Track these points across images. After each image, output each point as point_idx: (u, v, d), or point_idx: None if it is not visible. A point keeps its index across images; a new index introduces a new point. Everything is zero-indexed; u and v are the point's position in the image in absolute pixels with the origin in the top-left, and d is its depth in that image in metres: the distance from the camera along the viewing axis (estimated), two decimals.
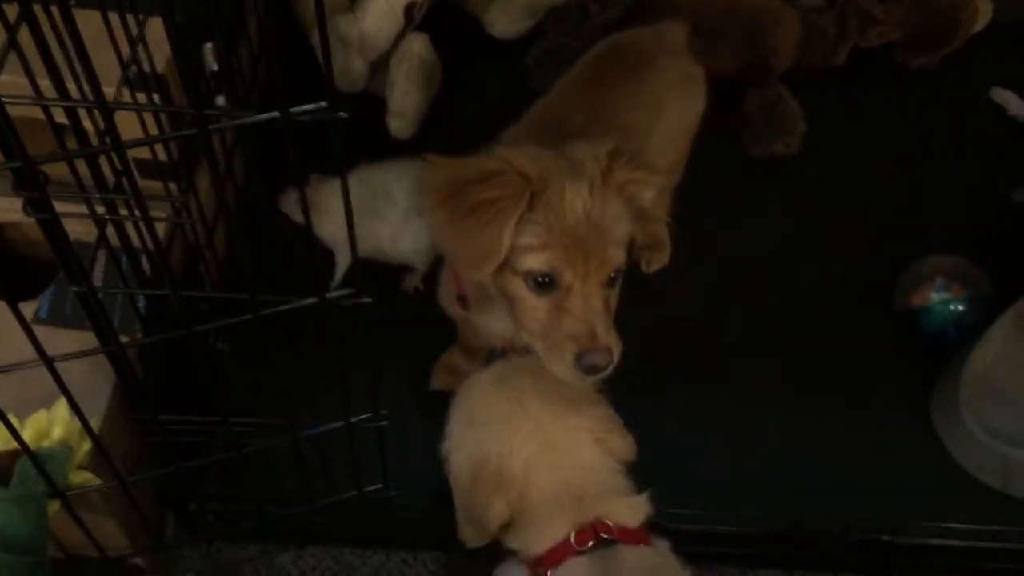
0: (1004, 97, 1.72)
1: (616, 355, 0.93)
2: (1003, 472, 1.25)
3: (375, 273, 1.34)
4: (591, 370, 0.93)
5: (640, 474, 1.27)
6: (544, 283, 0.93)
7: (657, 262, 1.46)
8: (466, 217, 0.90)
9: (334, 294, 0.81)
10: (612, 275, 0.94)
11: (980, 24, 1.76)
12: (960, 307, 1.36)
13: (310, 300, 0.81)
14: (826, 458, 1.30)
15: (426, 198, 0.95)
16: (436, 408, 1.30)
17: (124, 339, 0.90)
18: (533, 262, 0.92)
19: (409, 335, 1.33)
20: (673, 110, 1.24)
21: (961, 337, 1.34)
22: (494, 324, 1.10)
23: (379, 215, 1.33)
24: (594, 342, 0.92)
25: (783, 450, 1.30)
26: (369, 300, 0.81)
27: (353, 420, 0.98)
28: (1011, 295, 1.33)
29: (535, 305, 0.95)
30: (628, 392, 1.26)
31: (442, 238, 0.95)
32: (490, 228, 0.90)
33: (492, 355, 1.20)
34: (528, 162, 0.92)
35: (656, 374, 1.35)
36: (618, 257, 0.94)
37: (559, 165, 0.93)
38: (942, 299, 1.36)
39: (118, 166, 0.85)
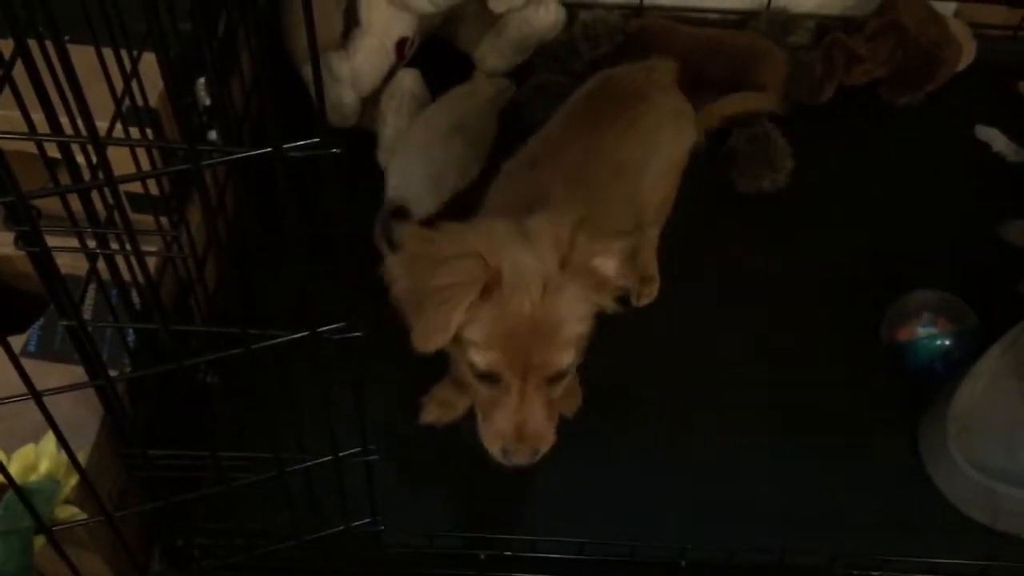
0: (988, 134, 1.74)
1: (545, 444, 0.98)
2: (991, 507, 1.25)
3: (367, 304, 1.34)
4: (517, 460, 0.99)
5: (620, 503, 1.28)
6: (486, 377, 0.96)
7: (647, 296, 1.47)
8: (422, 295, 0.93)
9: (325, 328, 0.81)
10: (559, 374, 0.97)
11: (964, 63, 1.79)
12: (946, 342, 1.37)
13: (300, 334, 0.82)
14: (811, 491, 1.30)
15: (393, 265, 0.96)
16: (426, 441, 1.31)
17: (113, 373, 0.90)
18: (475, 357, 0.95)
19: (399, 367, 1.33)
20: (665, 145, 1.26)
21: (948, 372, 1.35)
22: None
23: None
24: (519, 441, 0.97)
25: (767, 483, 1.30)
26: (360, 334, 0.82)
27: (342, 454, 0.98)
28: (997, 330, 1.34)
29: (479, 390, 0.99)
30: (612, 419, 1.27)
31: (401, 305, 0.96)
32: (440, 311, 0.92)
33: None
34: (490, 250, 0.92)
35: (641, 403, 1.36)
36: (562, 359, 0.95)
37: (517, 257, 0.93)
38: (928, 334, 1.37)
39: (110, 200, 0.86)
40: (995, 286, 1.46)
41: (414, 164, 1.50)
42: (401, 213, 1.46)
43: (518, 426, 0.96)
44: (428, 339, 0.94)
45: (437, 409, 1.31)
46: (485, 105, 1.61)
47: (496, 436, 0.98)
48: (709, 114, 1.45)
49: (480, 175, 1.50)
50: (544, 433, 0.98)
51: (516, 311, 0.91)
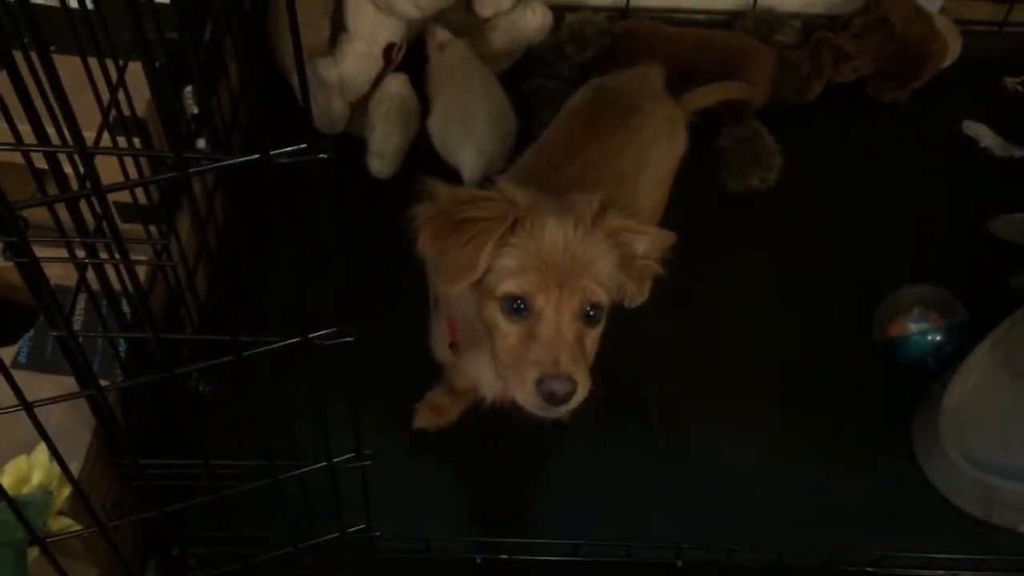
0: (976, 130, 1.75)
1: (581, 388, 0.92)
2: (985, 501, 1.25)
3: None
4: (551, 398, 0.92)
5: (615, 503, 1.28)
6: (517, 308, 0.94)
7: (639, 296, 1.47)
8: (450, 234, 0.93)
9: (316, 333, 0.81)
10: (590, 310, 0.94)
11: (950, 59, 1.80)
12: (938, 337, 1.37)
13: (292, 340, 0.82)
14: (807, 489, 1.30)
15: (416, 216, 0.96)
16: (420, 447, 1.31)
17: (104, 383, 0.90)
18: (508, 285, 0.93)
19: (393, 372, 1.33)
20: (659, 153, 1.27)
21: (939, 366, 1.36)
22: (485, 373, 1.10)
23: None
24: (555, 368, 0.91)
25: (763, 481, 1.31)
26: (351, 339, 0.81)
27: (336, 460, 0.98)
28: (988, 323, 1.35)
29: (508, 332, 0.95)
30: (605, 420, 1.27)
31: (426, 252, 0.96)
32: (470, 246, 0.92)
33: (481, 406, 1.20)
34: (519, 192, 0.94)
35: (635, 405, 1.36)
36: (596, 291, 0.94)
37: (550, 203, 0.95)
38: (920, 329, 1.37)
39: (99, 210, 0.85)
40: (985, 280, 1.47)
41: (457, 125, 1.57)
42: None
43: (554, 355, 0.91)
44: (457, 277, 0.93)
45: (430, 414, 1.31)
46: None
47: (531, 365, 0.92)
48: (690, 104, 1.44)
49: None
50: (581, 371, 0.92)
51: (549, 240, 0.92)
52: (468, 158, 1.54)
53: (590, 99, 1.29)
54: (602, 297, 0.94)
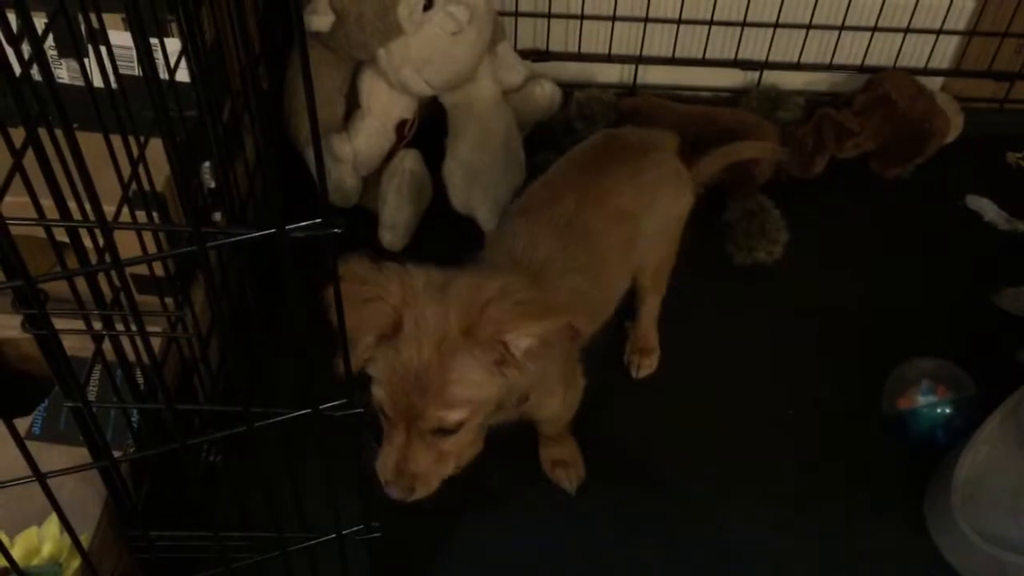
0: (979, 204, 1.77)
1: (420, 490, 0.99)
2: None
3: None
4: (391, 495, 0.99)
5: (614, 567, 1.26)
6: (381, 411, 0.98)
7: (646, 368, 1.48)
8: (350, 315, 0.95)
9: (327, 405, 0.82)
10: (445, 428, 0.97)
11: (952, 135, 1.83)
12: (947, 410, 1.37)
13: (303, 411, 0.82)
14: (818, 565, 1.29)
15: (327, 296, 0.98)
16: (430, 518, 1.30)
17: (116, 453, 0.90)
18: (373, 390, 0.97)
19: None
20: (665, 199, 1.28)
21: (949, 440, 1.35)
22: None
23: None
24: (390, 479, 0.98)
25: (771, 558, 1.29)
26: (361, 410, 0.82)
27: (345, 532, 0.98)
28: (997, 397, 1.34)
29: (381, 422, 1.00)
30: (608, 488, 1.25)
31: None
32: (352, 345, 0.92)
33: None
34: (403, 300, 0.94)
35: (640, 473, 1.35)
36: (446, 417, 0.96)
37: (424, 312, 0.94)
38: (929, 402, 1.37)
39: (116, 282, 0.87)
40: (992, 354, 1.47)
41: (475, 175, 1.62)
42: None
43: (398, 464, 0.97)
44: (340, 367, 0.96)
45: None
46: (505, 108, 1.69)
47: (379, 467, 0.99)
48: (704, 168, 1.45)
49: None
50: (423, 478, 0.98)
51: (406, 361, 0.94)
52: (484, 214, 1.61)
53: (600, 142, 1.32)
54: (455, 419, 0.97)
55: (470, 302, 0.94)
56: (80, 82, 0.90)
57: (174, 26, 1.18)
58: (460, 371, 0.94)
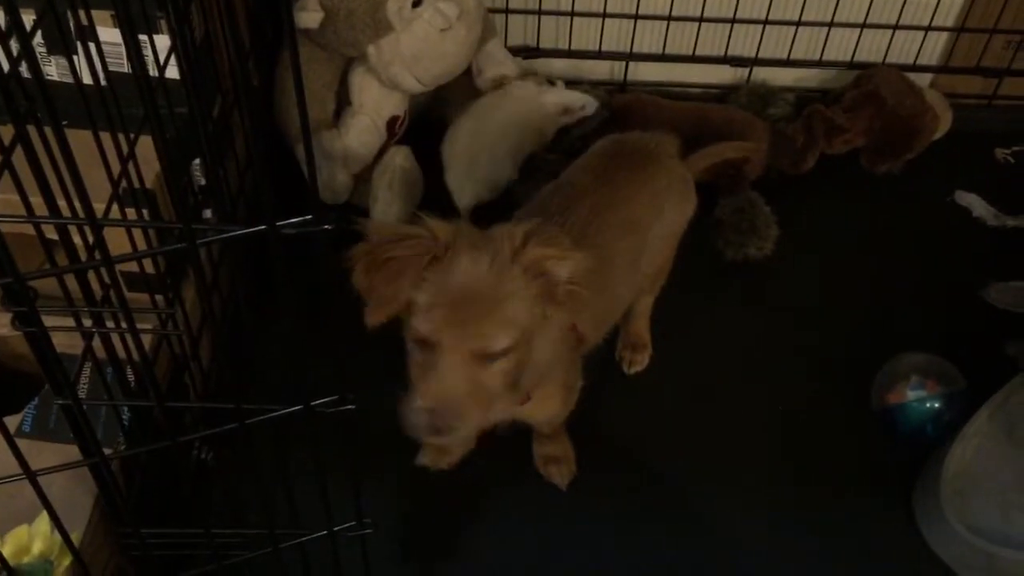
0: (968, 200, 1.77)
1: (465, 421, 0.96)
2: (988, 570, 1.24)
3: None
4: (431, 426, 0.96)
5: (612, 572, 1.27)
6: (423, 341, 0.96)
7: (638, 364, 1.48)
8: (376, 271, 0.95)
9: (318, 401, 0.82)
10: (490, 353, 0.96)
11: (941, 131, 1.84)
12: (936, 404, 1.37)
13: (294, 408, 0.82)
14: (807, 559, 1.29)
15: (351, 255, 0.98)
16: (422, 516, 1.30)
17: (107, 451, 0.90)
18: (416, 321, 0.95)
19: (395, 438, 1.33)
20: (672, 207, 1.29)
21: (938, 434, 1.36)
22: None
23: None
24: (431, 402, 0.95)
25: (761, 554, 1.30)
26: (353, 407, 0.82)
27: (337, 528, 0.98)
28: (986, 391, 1.35)
29: (416, 359, 0.98)
30: (604, 488, 1.26)
31: (359, 287, 0.98)
32: (392, 283, 0.94)
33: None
34: (442, 227, 0.96)
35: (632, 474, 1.36)
36: (495, 339, 0.95)
37: (473, 236, 0.97)
38: (918, 397, 1.38)
39: (107, 280, 0.87)
40: (981, 348, 1.48)
41: (461, 157, 1.65)
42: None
43: (441, 393, 0.95)
44: (377, 311, 0.96)
45: (433, 453, 1.33)
46: (535, 113, 1.71)
47: (423, 394, 0.96)
48: (691, 167, 1.46)
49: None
50: (463, 406, 0.96)
51: (459, 278, 0.94)
52: (464, 199, 1.64)
53: (609, 149, 1.32)
54: (502, 344, 0.95)
55: (511, 236, 0.95)
56: (69, 79, 0.90)
57: (163, 23, 1.18)
58: (510, 290, 0.94)
